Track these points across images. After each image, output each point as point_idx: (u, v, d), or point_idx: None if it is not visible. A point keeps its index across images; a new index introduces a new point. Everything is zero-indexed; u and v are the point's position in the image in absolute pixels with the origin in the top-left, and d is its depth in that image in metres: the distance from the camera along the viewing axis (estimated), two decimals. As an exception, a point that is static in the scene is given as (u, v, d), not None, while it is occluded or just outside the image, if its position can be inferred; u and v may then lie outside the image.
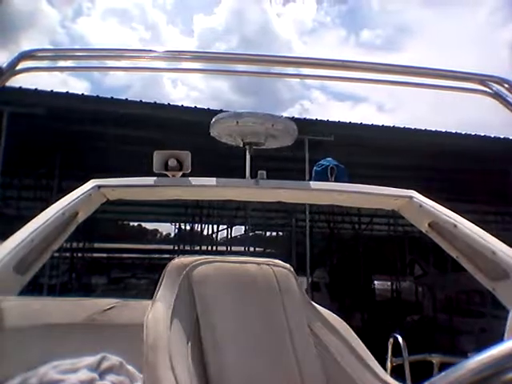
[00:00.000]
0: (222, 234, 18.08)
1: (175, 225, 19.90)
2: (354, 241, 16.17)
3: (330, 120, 7.71)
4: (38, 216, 1.27)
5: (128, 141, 7.60)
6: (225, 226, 17.10)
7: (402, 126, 7.88)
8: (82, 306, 1.31)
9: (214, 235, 17.67)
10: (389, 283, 16.07)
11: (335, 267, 14.74)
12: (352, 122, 7.72)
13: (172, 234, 24.47)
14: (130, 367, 1.20)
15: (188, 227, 18.27)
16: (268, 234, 18.20)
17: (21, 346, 1.14)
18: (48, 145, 7.72)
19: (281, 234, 18.58)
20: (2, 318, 1.12)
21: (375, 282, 15.60)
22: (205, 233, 17.50)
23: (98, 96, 6.88)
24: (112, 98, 6.91)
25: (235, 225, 16.73)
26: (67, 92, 6.77)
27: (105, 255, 22.74)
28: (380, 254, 15.77)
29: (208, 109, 6.86)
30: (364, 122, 7.87)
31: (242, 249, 15.38)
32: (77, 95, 6.88)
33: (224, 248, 17.65)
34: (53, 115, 6.38)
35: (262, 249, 17.40)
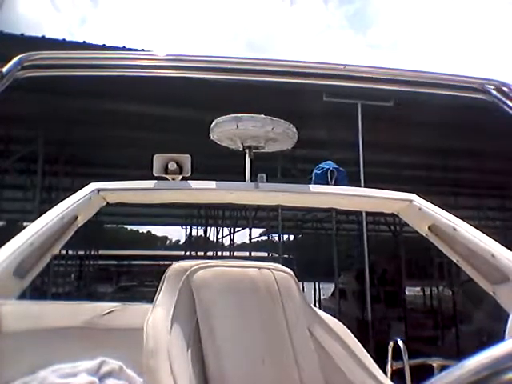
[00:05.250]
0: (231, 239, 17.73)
1: (186, 229, 20.04)
2: (386, 243, 15.99)
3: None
4: (38, 220, 1.34)
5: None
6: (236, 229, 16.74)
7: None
8: (81, 309, 1.39)
9: (228, 239, 17.48)
10: (419, 289, 15.81)
11: (363, 272, 14.58)
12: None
13: (182, 240, 24.69)
14: (129, 371, 1.29)
15: (201, 230, 18.34)
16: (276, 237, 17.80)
17: (20, 350, 1.21)
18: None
19: (291, 237, 18.38)
20: (1, 322, 1.19)
21: (407, 289, 15.38)
22: (219, 236, 17.45)
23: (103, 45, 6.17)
24: (124, 47, 6.14)
25: (256, 227, 16.42)
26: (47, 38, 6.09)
27: (114, 262, 23.24)
28: (416, 257, 15.55)
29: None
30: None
31: (266, 254, 15.10)
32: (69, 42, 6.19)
33: (239, 253, 17.49)
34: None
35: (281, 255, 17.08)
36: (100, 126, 7.88)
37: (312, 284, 17.99)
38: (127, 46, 6.18)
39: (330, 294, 16.99)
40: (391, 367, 1.94)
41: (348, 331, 1.39)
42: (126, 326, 1.33)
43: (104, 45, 6.33)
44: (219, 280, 1.19)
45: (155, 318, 1.08)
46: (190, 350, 1.05)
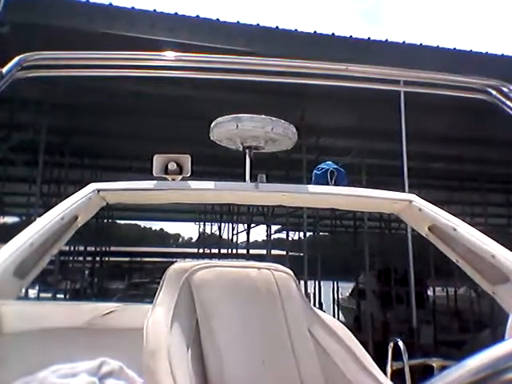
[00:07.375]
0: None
1: (199, 225, 20.12)
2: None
3: (440, 46, 6.45)
4: (38, 220, 1.38)
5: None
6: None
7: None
8: (81, 310, 1.43)
9: (240, 236, 17.31)
10: (440, 288, 15.58)
11: (385, 271, 14.48)
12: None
13: (195, 237, 24.77)
14: (129, 372, 1.32)
15: (215, 226, 18.33)
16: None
17: (20, 350, 1.26)
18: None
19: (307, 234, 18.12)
20: (1, 322, 1.23)
21: (430, 289, 15.23)
22: (234, 232, 17.38)
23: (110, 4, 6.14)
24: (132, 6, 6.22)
25: (275, 223, 16.15)
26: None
27: (126, 259, 23.65)
28: (440, 256, 15.33)
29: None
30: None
31: (284, 253, 14.94)
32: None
33: (255, 251, 17.35)
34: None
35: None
36: (112, 112, 7.70)
37: (330, 283, 17.91)
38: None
39: (348, 293, 16.91)
40: (391, 367, 1.97)
41: (348, 331, 1.41)
42: (126, 327, 1.37)
43: (110, 4, 6.31)
44: (219, 280, 1.23)
45: (155, 318, 1.12)
46: (189, 350, 1.09)
